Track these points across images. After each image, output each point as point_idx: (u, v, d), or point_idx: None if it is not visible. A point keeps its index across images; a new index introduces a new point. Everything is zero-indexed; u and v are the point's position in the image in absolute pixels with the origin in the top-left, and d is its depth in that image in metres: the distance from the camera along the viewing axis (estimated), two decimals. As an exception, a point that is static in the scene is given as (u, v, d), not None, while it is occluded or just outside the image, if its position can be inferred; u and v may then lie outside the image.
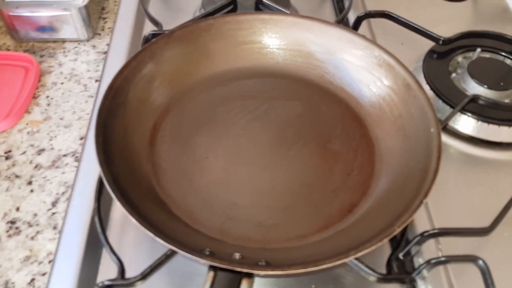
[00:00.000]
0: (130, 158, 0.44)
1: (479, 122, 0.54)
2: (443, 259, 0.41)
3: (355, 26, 0.64)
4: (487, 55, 0.62)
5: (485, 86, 0.57)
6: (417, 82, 0.48)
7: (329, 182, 0.46)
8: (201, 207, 0.43)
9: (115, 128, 0.45)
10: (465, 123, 0.54)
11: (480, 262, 0.39)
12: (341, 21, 0.64)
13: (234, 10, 0.67)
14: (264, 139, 0.49)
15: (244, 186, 0.45)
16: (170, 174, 0.46)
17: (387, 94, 0.50)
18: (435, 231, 0.43)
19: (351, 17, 0.68)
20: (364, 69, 0.52)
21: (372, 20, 0.67)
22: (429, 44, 0.62)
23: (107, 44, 0.69)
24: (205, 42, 0.53)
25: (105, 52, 0.68)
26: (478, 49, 0.61)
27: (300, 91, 0.54)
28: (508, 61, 0.61)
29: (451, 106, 0.55)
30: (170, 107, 0.50)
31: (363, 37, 0.54)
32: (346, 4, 0.69)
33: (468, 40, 0.62)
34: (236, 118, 0.51)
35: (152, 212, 0.40)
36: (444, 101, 0.56)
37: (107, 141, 0.43)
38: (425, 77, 0.59)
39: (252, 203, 0.44)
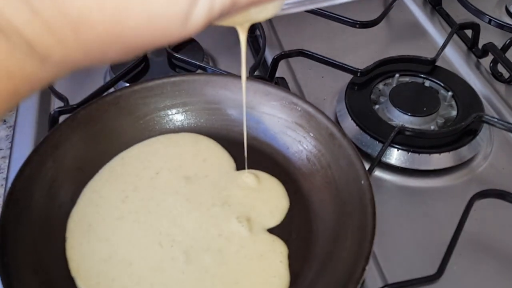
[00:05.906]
0: (45, 270, 0.40)
1: (410, 154, 0.53)
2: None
3: (273, 68, 0.62)
4: (406, 79, 0.62)
5: (409, 114, 0.56)
6: (341, 130, 0.46)
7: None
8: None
9: (24, 238, 0.40)
10: (396, 156, 0.54)
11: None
12: (258, 65, 0.62)
13: (146, 69, 0.64)
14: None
15: None
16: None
17: (313, 145, 0.48)
18: (384, 288, 0.41)
19: (269, 57, 0.66)
20: (286, 121, 0.50)
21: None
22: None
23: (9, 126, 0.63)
24: (111, 118, 0.49)
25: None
26: (397, 75, 0.61)
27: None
28: (427, 83, 0.61)
29: (380, 141, 0.54)
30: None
31: (279, 87, 0.52)
32: (261, 42, 0.67)
33: (385, 67, 0.61)
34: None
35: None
36: (371, 136, 0.54)
37: (14, 256, 0.38)
38: (348, 112, 0.57)
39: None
